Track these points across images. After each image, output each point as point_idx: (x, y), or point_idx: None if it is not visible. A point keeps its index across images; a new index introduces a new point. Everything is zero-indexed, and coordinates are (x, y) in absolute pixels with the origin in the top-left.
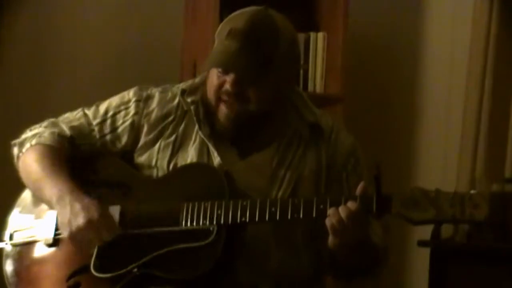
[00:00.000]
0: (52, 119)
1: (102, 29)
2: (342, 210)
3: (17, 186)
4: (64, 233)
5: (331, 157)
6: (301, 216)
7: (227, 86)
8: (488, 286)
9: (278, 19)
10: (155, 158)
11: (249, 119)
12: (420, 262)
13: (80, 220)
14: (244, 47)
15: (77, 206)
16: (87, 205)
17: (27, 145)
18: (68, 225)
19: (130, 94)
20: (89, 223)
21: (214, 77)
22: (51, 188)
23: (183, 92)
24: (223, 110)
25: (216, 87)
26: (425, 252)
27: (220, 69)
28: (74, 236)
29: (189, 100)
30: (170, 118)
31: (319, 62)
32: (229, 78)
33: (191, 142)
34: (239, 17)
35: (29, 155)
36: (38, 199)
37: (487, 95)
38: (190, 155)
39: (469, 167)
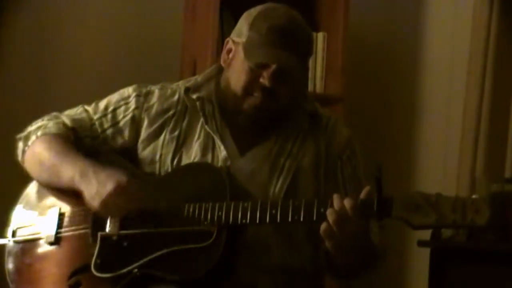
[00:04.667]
0: (53, 113)
1: (102, 29)
2: (328, 214)
3: (20, 183)
4: (95, 204)
5: (328, 145)
6: (301, 219)
7: (264, 81)
8: (488, 287)
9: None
10: (159, 153)
11: (272, 114)
12: (420, 262)
13: (109, 187)
14: (287, 42)
15: (102, 175)
16: (111, 172)
17: (33, 137)
18: (97, 195)
19: (129, 90)
20: (119, 187)
21: (244, 70)
22: (71, 168)
23: (187, 90)
24: (252, 101)
25: (248, 81)
26: (425, 252)
27: (258, 63)
28: (106, 204)
29: (194, 96)
30: (171, 112)
31: (319, 62)
32: (266, 72)
33: (195, 137)
34: (275, 13)
35: (37, 146)
36: (42, 195)
37: (487, 95)
38: (194, 150)
39: (469, 167)
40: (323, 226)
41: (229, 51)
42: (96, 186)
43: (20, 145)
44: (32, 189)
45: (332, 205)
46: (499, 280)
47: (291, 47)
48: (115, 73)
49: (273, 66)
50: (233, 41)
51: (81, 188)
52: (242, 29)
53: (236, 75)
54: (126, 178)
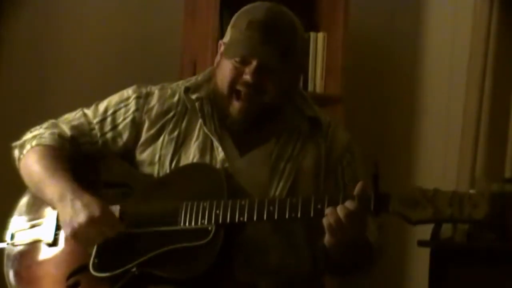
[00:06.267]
0: (52, 120)
1: (102, 29)
2: (340, 210)
3: (18, 187)
4: (66, 231)
5: (328, 151)
6: (298, 215)
7: (247, 77)
8: (488, 286)
9: (291, 14)
10: (158, 154)
11: (260, 111)
12: (420, 262)
13: (81, 217)
14: (266, 36)
15: (78, 203)
16: (88, 202)
17: (28, 147)
18: (70, 223)
19: (129, 91)
20: (91, 220)
21: (227, 69)
22: (52, 187)
23: (187, 90)
24: (236, 105)
25: (231, 79)
26: (425, 252)
27: (238, 60)
28: (76, 234)
29: (193, 97)
30: (171, 114)
31: (319, 62)
32: (248, 68)
33: (194, 139)
34: (256, 9)
35: (30, 157)
36: (39, 199)
37: (487, 95)
38: (192, 151)
39: (469, 167)
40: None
41: (221, 53)
42: (70, 214)
43: (16, 153)
44: (28, 196)
45: (330, 204)
46: (499, 280)
47: (271, 41)
48: (115, 74)
49: (254, 62)
50: (223, 43)
51: (57, 210)
52: (227, 30)
53: (222, 75)
54: (100, 212)
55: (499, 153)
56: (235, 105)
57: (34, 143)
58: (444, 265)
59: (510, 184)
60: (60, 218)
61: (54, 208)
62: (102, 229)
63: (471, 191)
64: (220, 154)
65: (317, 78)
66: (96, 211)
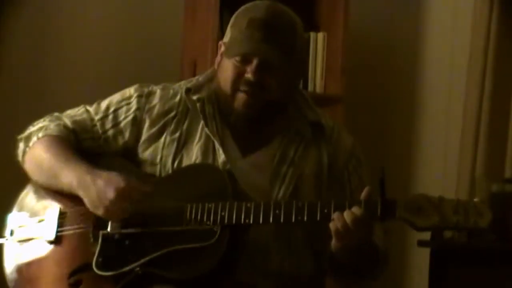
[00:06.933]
0: (55, 114)
1: (102, 29)
2: (347, 215)
3: (19, 183)
4: (99, 212)
5: (332, 156)
6: (305, 219)
7: (249, 76)
8: (488, 286)
9: (291, 12)
10: (160, 155)
11: (264, 107)
12: (420, 262)
13: (110, 194)
14: (267, 35)
15: (100, 182)
16: (109, 178)
17: (34, 139)
18: (100, 204)
19: (131, 90)
20: (119, 193)
21: (229, 69)
22: (69, 172)
23: (188, 91)
24: (241, 98)
25: (234, 78)
26: (425, 252)
27: (239, 59)
28: (110, 210)
29: (194, 98)
30: (172, 114)
31: (319, 62)
32: (250, 67)
33: (196, 140)
34: (256, 8)
35: (38, 147)
36: (40, 195)
37: (487, 95)
38: (195, 152)
39: (469, 167)
40: (333, 227)
41: (221, 53)
42: (96, 194)
43: (21, 145)
44: (28, 192)
45: (336, 209)
46: (499, 280)
47: (272, 39)
48: (115, 74)
49: (255, 60)
50: (223, 43)
51: (79, 194)
52: (227, 30)
53: (224, 75)
54: (124, 182)
55: (499, 153)
56: (240, 98)
57: (40, 134)
58: (444, 265)
59: (510, 184)
60: (87, 202)
61: (74, 192)
62: (132, 197)
63: (475, 199)
64: (221, 156)
65: (317, 78)
66: (120, 183)
